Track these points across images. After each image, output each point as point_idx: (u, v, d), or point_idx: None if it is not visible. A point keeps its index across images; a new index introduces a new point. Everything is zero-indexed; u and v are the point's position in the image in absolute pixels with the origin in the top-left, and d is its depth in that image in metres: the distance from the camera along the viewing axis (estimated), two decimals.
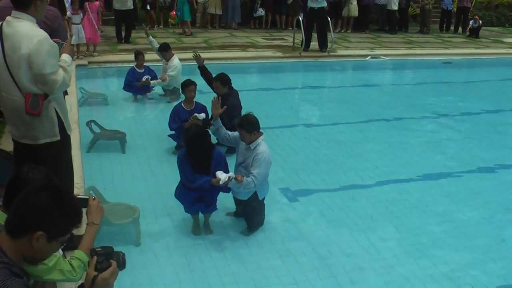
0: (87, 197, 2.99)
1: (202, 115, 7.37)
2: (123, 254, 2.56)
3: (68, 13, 12.64)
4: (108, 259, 2.45)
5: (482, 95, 12.59)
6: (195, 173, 5.21)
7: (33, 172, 2.85)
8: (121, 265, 2.54)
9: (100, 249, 2.47)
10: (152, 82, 9.97)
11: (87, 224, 2.97)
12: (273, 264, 5.04)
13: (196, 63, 8.35)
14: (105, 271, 2.41)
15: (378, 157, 7.89)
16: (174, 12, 18.20)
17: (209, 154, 5.32)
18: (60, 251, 3.16)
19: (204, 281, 4.74)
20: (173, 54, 10.16)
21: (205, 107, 7.66)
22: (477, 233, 5.82)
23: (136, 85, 9.97)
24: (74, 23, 12.52)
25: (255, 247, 5.33)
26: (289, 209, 6.18)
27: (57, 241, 2.35)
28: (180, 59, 10.22)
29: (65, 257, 3.13)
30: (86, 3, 13.13)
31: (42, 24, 4.29)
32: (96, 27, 13.13)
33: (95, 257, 2.42)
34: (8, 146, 5.62)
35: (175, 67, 9.96)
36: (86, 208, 2.94)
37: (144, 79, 9.87)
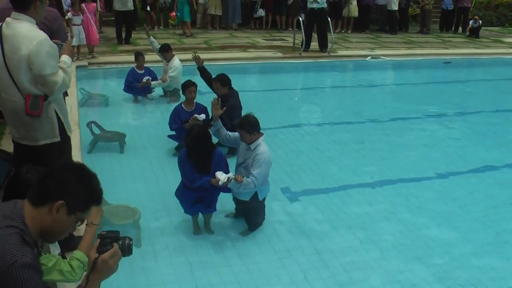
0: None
1: (202, 116, 7.37)
2: (130, 239, 2.47)
3: (69, 14, 12.65)
4: (111, 243, 2.40)
5: (482, 95, 12.58)
6: (196, 173, 5.22)
7: (32, 173, 2.85)
8: (126, 250, 2.46)
9: (105, 233, 2.42)
10: (152, 83, 9.97)
11: (86, 224, 2.98)
12: (273, 264, 5.04)
13: (195, 64, 8.36)
14: (105, 253, 2.36)
15: (378, 157, 7.90)
16: (174, 13, 18.20)
17: (210, 154, 5.34)
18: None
19: (205, 281, 4.74)
20: (174, 55, 10.16)
21: (205, 108, 7.67)
22: (478, 232, 5.82)
23: (137, 86, 9.98)
24: (74, 24, 12.52)
25: (255, 247, 5.34)
26: (289, 209, 6.17)
27: (76, 215, 2.35)
28: (181, 60, 10.22)
29: (65, 258, 3.13)
30: (83, 4, 13.12)
31: (42, 25, 4.29)
32: (95, 27, 13.07)
33: (99, 240, 2.39)
34: (9, 147, 5.62)
35: (176, 68, 9.96)
36: None
37: (144, 80, 9.87)
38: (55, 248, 3.66)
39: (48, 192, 2.26)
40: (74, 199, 2.30)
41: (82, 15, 12.88)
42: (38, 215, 2.27)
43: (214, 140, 5.77)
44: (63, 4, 15.15)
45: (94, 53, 13.38)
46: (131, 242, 2.48)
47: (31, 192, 2.29)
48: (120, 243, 2.42)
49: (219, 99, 5.87)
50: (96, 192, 2.41)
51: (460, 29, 21.79)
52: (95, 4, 13.60)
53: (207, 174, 5.23)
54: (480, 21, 20.53)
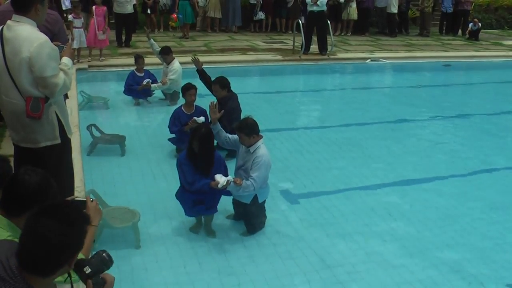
0: (85, 199, 3.00)
1: (202, 119, 7.38)
2: (106, 254, 2.53)
3: (70, 16, 12.65)
4: (99, 274, 2.46)
5: (482, 98, 12.60)
6: (195, 176, 5.23)
7: (29, 174, 2.85)
8: (109, 264, 2.53)
9: (90, 271, 2.42)
10: (152, 85, 9.98)
11: None
12: (273, 266, 5.04)
13: (195, 67, 8.37)
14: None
15: (378, 160, 7.90)
16: (175, 15, 18.20)
17: (212, 155, 5.37)
18: None
19: (204, 283, 4.75)
20: (174, 58, 10.17)
21: (205, 110, 7.67)
22: (480, 234, 5.82)
23: (137, 89, 9.99)
24: (75, 27, 12.52)
25: (255, 249, 5.34)
26: (289, 211, 6.18)
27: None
28: (180, 63, 10.23)
29: None
30: (93, 7, 13.12)
31: (43, 28, 4.31)
32: (99, 31, 13.03)
33: (90, 281, 2.40)
34: (9, 150, 5.64)
35: (176, 71, 9.98)
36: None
37: (144, 82, 9.88)
38: None
39: (52, 261, 2.19)
40: (76, 251, 2.29)
41: (89, 17, 12.87)
42: (50, 281, 2.27)
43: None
44: (62, 4, 15.21)
45: (102, 57, 13.38)
46: (109, 256, 2.54)
47: (34, 267, 2.17)
48: (105, 268, 2.49)
49: (217, 103, 5.87)
50: (84, 218, 2.35)
51: (459, 32, 21.80)
52: (105, 7, 13.55)
53: (207, 176, 5.26)
54: (480, 24, 20.54)
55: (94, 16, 12.99)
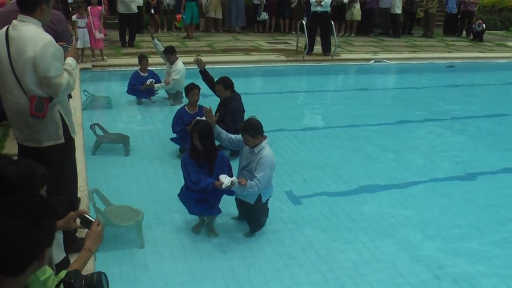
0: (93, 220, 2.90)
1: (204, 118, 7.38)
2: (105, 278, 2.52)
3: (74, 16, 12.68)
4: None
5: (486, 99, 12.58)
6: (200, 175, 5.24)
7: (7, 167, 2.82)
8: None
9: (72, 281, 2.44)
10: (156, 85, 9.99)
11: (83, 249, 2.85)
12: (276, 267, 5.04)
13: (197, 67, 8.38)
14: None
15: (382, 161, 7.90)
16: (180, 16, 18.20)
17: (214, 151, 5.41)
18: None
19: (207, 283, 4.75)
20: (178, 58, 10.18)
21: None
22: (485, 237, 5.81)
23: (140, 88, 10.00)
24: (79, 27, 12.55)
25: (258, 250, 5.35)
26: (292, 212, 6.18)
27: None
28: (184, 63, 10.24)
29: (69, 261, 3.14)
30: (89, 7, 13.14)
31: (47, 28, 4.32)
32: (94, 31, 13.02)
33: None
34: (13, 149, 5.67)
35: (179, 71, 9.98)
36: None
37: (148, 82, 9.89)
38: (60, 252, 3.67)
39: (22, 260, 2.13)
40: (50, 235, 2.23)
41: (87, 18, 12.91)
42: (20, 282, 2.21)
43: (216, 142, 5.80)
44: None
45: (105, 57, 13.41)
46: (106, 278, 2.52)
47: (3, 267, 2.11)
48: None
49: (210, 107, 5.86)
50: (50, 213, 2.26)
51: (464, 33, 21.75)
52: (100, 7, 13.60)
53: (210, 175, 5.27)
54: (484, 25, 20.51)
55: (90, 16, 12.99)
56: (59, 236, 3.67)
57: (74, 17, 12.69)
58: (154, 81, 9.98)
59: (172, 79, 9.96)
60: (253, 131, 5.32)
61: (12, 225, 2.07)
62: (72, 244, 4.20)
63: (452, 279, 4.96)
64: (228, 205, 5.80)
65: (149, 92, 10.18)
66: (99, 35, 13.03)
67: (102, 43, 13.41)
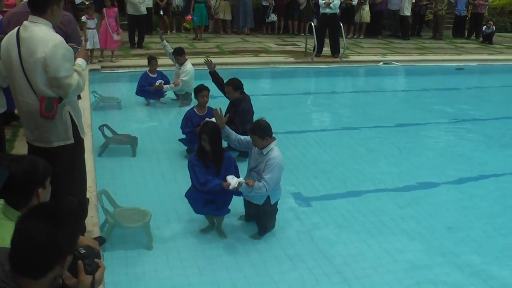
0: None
1: (213, 120, 7.38)
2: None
3: (84, 18, 12.73)
4: (93, 259, 2.43)
5: (495, 101, 12.51)
6: (207, 176, 5.24)
7: (12, 166, 2.84)
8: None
9: (84, 251, 2.42)
10: (165, 87, 10.01)
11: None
12: (284, 269, 5.04)
13: (207, 68, 8.38)
14: (98, 273, 2.41)
15: (390, 163, 7.87)
16: (190, 17, 18.22)
17: (222, 152, 5.42)
18: None
19: (215, 285, 4.75)
20: (187, 59, 10.19)
21: None
22: (490, 239, 5.78)
23: (149, 90, 10.03)
24: (89, 28, 12.61)
25: (266, 251, 5.34)
26: (300, 214, 6.17)
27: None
28: (193, 64, 10.25)
29: None
30: (104, 9, 13.20)
31: (56, 29, 4.34)
32: (112, 33, 13.10)
33: (80, 262, 2.38)
34: (22, 149, 5.69)
35: (188, 72, 9.99)
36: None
37: (157, 83, 9.92)
38: None
39: (45, 263, 2.16)
40: (73, 241, 2.27)
41: (101, 19, 12.96)
42: (43, 284, 2.22)
43: (224, 144, 5.80)
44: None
45: (114, 58, 13.45)
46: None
47: (23, 268, 2.14)
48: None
49: (221, 108, 5.86)
50: (74, 219, 2.31)
51: (473, 35, 21.65)
52: (116, 8, 13.65)
53: (217, 175, 5.29)
54: (494, 27, 20.40)
55: (106, 18, 13.06)
56: None
57: (83, 18, 12.74)
58: (163, 82, 10.00)
59: (181, 81, 9.97)
60: (262, 132, 5.31)
61: (38, 228, 2.12)
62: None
63: (465, 284, 4.93)
64: (236, 206, 5.79)
65: (158, 93, 10.20)
66: (117, 37, 13.10)
67: (119, 43, 13.53)
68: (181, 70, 10.06)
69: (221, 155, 5.41)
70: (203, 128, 5.44)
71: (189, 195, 5.51)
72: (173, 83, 10.09)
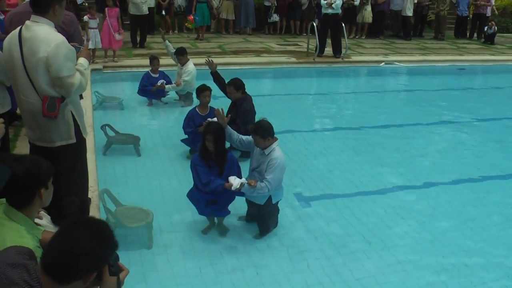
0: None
1: (215, 120, 7.38)
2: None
3: (86, 17, 12.73)
4: (116, 261, 2.46)
5: (497, 102, 12.49)
6: (210, 177, 5.25)
7: (15, 166, 2.84)
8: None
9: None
10: (166, 86, 10.01)
11: None
12: (285, 269, 5.04)
13: (208, 68, 8.38)
14: (122, 275, 2.46)
15: (392, 163, 7.87)
16: (192, 17, 18.21)
17: (224, 153, 5.43)
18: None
19: (216, 285, 4.76)
20: (189, 59, 10.19)
21: None
22: (495, 239, 5.78)
23: (151, 89, 10.03)
24: (91, 28, 12.62)
25: (267, 251, 5.34)
26: (302, 214, 6.17)
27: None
28: (195, 64, 10.25)
29: None
30: (106, 9, 13.20)
31: (59, 29, 4.35)
32: (114, 33, 13.10)
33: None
34: (24, 149, 5.69)
35: (190, 72, 9.99)
36: None
37: (159, 83, 9.92)
38: None
39: (77, 270, 2.20)
40: (103, 262, 2.32)
41: (103, 19, 12.96)
42: None
43: (226, 144, 5.80)
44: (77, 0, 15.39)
45: (116, 58, 13.46)
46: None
47: (54, 271, 2.18)
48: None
49: (222, 109, 5.87)
50: (115, 242, 2.36)
51: (475, 35, 21.61)
52: (117, 8, 13.64)
53: (220, 175, 5.29)
54: (496, 27, 20.37)
55: (107, 18, 13.06)
56: None
57: (85, 17, 12.74)
58: (165, 82, 10.01)
59: (183, 81, 9.97)
60: (264, 132, 5.31)
61: (85, 238, 2.19)
62: None
63: (469, 285, 4.92)
64: (238, 206, 5.80)
65: (160, 93, 10.20)
66: (118, 37, 13.11)
67: (121, 43, 13.55)
68: (183, 70, 10.05)
69: (224, 155, 5.42)
70: (207, 128, 5.45)
71: (191, 195, 5.52)
72: (175, 83, 10.09)
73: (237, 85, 7.56)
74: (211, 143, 5.31)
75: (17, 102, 4.37)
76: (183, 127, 7.66)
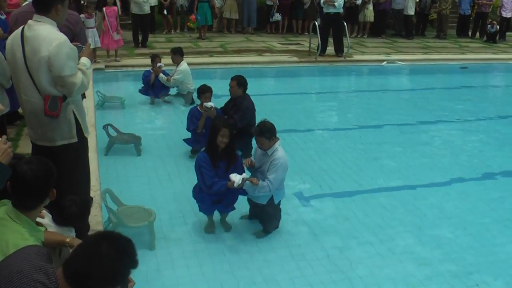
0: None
1: (210, 104, 7.36)
2: None
3: (82, 16, 12.69)
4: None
5: (499, 101, 12.48)
6: (214, 178, 5.24)
7: (27, 166, 2.85)
8: None
9: None
10: (160, 75, 10.03)
11: None
12: (287, 267, 5.04)
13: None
14: (129, 286, 2.52)
15: (393, 162, 7.86)
16: (194, 16, 18.20)
17: (233, 150, 5.49)
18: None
19: (218, 284, 4.76)
20: (182, 60, 10.24)
21: (219, 110, 7.68)
22: (494, 238, 5.78)
23: (151, 71, 10.09)
24: (88, 27, 12.54)
25: (269, 250, 5.34)
26: (303, 213, 6.17)
27: None
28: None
29: None
30: (104, 8, 13.19)
31: (65, 28, 4.36)
32: (113, 32, 13.11)
33: None
34: (26, 149, 5.71)
35: (181, 72, 10.10)
36: None
37: (158, 65, 10.00)
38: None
39: (98, 282, 2.22)
40: (124, 278, 2.34)
41: (102, 18, 12.95)
42: None
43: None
44: None
45: (118, 57, 13.47)
46: None
47: (74, 278, 2.21)
48: None
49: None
50: (136, 261, 2.38)
51: (477, 34, 21.57)
52: (116, 7, 13.64)
53: (225, 173, 5.30)
54: (498, 26, 20.33)
55: (106, 17, 13.04)
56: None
57: (82, 16, 12.69)
58: (163, 65, 10.13)
59: (173, 79, 10.10)
60: (269, 133, 5.31)
61: (110, 255, 2.21)
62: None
63: (470, 284, 4.93)
64: (240, 205, 5.79)
65: (161, 91, 10.22)
66: (116, 36, 13.10)
67: (121, 42, 13.56)
68: (176, 69, 10.13)
69: (234, 153, 5.45)
70: (223, 122, 5.42)
71: (197, 194, 5.51)
72: (167, 78, 10.13)
73: (240, 81, 7.55)
74: (225, 138, 5.27)
75: (19, 102, 4.37)
76: (187, 127, 7.67)
